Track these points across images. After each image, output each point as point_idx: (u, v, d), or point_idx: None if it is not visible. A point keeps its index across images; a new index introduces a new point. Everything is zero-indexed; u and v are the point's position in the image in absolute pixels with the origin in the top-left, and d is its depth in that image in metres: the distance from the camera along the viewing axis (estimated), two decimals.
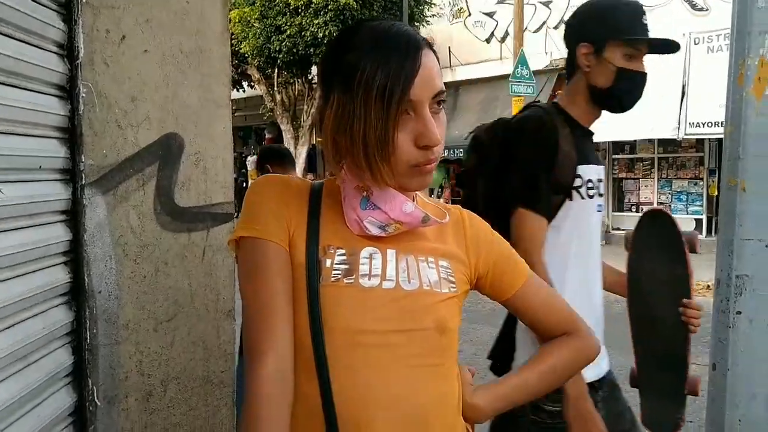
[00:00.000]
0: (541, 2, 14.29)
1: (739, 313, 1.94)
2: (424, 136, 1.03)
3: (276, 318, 1.06)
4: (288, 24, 14.34)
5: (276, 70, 16.06)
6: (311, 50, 14.16)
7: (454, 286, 1.16)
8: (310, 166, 19.72)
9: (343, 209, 1.13)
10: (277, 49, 14.65)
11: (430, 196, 13.41)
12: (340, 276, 1.08)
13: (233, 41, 15.26)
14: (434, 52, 1.09)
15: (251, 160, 21.21)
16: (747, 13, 1.87)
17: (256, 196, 1.14)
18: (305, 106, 16.60)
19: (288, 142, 16.72)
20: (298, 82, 16.97)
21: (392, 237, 1.13)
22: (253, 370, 1.02)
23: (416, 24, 14.82)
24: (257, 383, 1.01)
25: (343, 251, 1.10)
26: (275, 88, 16.64)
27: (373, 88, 1.01)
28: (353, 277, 1.09)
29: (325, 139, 1.09)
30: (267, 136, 20.98)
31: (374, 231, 1.10)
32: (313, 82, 16.51)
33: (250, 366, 1.04)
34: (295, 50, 14.38)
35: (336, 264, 1.09)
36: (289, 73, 16.16)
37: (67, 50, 1.94)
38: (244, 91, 18.68)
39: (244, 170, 20.68)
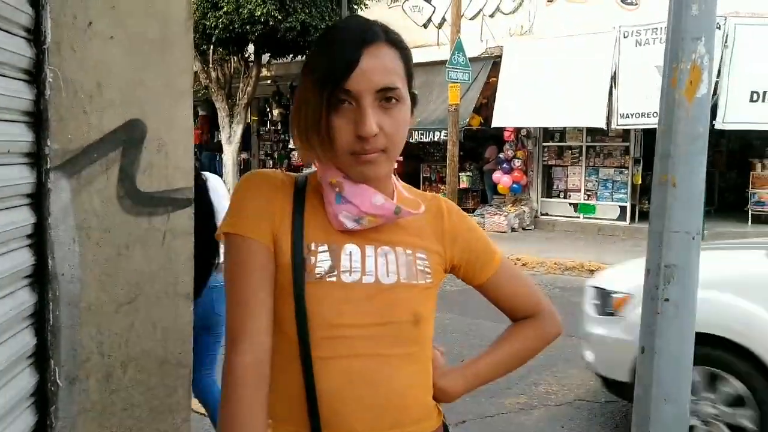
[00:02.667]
0: None
1: (667, 300, 2.12)
2: (358, 126, 1.11)
3: (254, 311, 1.15)
4: (225, 1, 14.09)
5: (211, 47, 15.77)
6: (247, 27, 13.95)
7: (429, 276, 1.26)
8: (245, 145, 19.48)
9: (324, 204, 1.21)
10: (213, 25, 14.37)
11: None
12: (323, 273, 1.17)
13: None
14: (400, 49, 1.18)
15: None
16: (681, 20, 2.03)
17: (242, 192, 1.22)
18: (240, 84, 16.37)
19: (222, 120, 16.48)
20: (233, 59, 16.71)
21: (371, 231, 1.21)
22: (231, 358, 1.14)
23: (355, 7, 14.80)
24: (234, 369, 1.13)
25: (325, 247, 1.19)
26: (210, 65, 16.35)
27: (313, 76, 1.13)
28: (335, 273, 1.17)
29: (291, 129, 1.22)
30: (201, 113, 20.57)
31: (349, 225, 1.18)
32: (249, 60, 16.28)
33: (228, 354, 1.15)
34: (231, 27, 14.14)
35: (319, 261, 1.17)
36: (224, 51, 15.90)
37: (34, 35, 1.95)
38: None
39: None
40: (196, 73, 17.13)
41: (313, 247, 1.18)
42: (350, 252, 1.20)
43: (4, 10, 1.80)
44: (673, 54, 2.08)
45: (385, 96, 1.13)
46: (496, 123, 13.20)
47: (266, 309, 1.16)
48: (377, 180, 1.19)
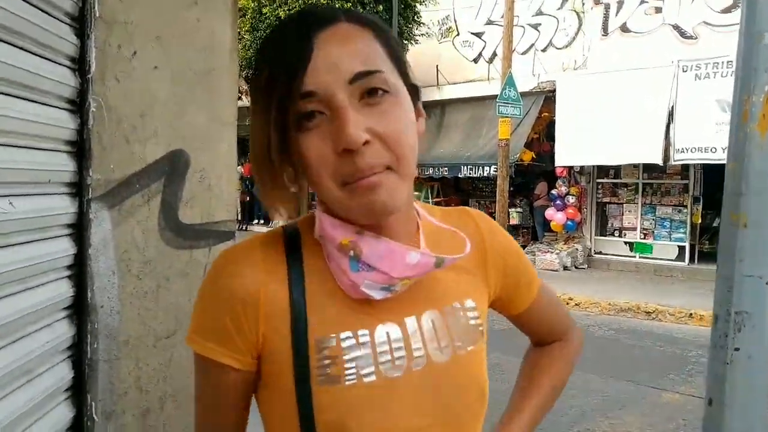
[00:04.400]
0: (529, 24, 14.46)
1: (737, 349, 1.96)
2: (337, 137, 0.79)
3: None
4: None
5: None
6: None
7: (482, 328, 1.01)
8: None
9: (331, 270, 0.91)
10: None
11: None
12: (354, 375, 0.88)
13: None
14: (375, 29, 0.86)
15: (238, 170, 21.11)
16: (753, 50, 1.90)
17: (203, 301, 0.92)
18: None
19: None
20: None
21: (405, 293, 0.92)
22: None
23: (404, 42, 14.91)
24: None
25: (349, 335, 0.89)
26: None
27: (259, 96, 0.84)
28: (372, 368, 0.89)
29: (256, 185, 0.93)
30: None
31: (377, 296, 0.89)
32: None
33: None
34: None
35: (347, 361, 0.88)
36: None
37: (79, 64, 1.94)
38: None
39: None
40: (248, 108, 17.45)
41: (330, 343, 0.88)
42: (387, 333, 0.91)
43: (49, 39, 1.79)
44: (743, 86, 1.95)
45: (366, 88, 0.81)
46: (558, 162, 12.97)
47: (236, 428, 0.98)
48: (395, 212, 0.85)
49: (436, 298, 0.97)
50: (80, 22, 1.94)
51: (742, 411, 1.93)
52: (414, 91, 0.91)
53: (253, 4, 14.75)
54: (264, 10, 14.52)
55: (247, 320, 0.88)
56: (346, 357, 0.88)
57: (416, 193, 15.74)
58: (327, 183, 0.82)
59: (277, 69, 0.81)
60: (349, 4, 13.26)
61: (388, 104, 0.83)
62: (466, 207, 1.13)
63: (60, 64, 1.87)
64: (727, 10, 11.35)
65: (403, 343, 0.92)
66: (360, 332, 0.90)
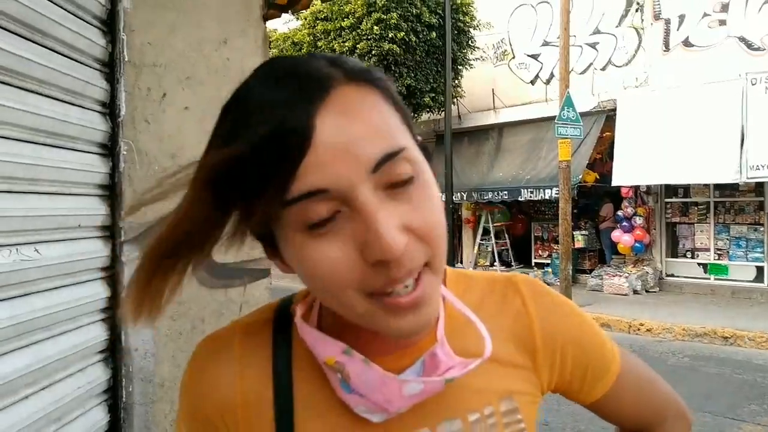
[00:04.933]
0: (587, 44, 14.21)
1: None
2: (367, 245, 0.59)
3: None
4: None
5: None
6: None
7: (524, 426, 0.79)
8: None
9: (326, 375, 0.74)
10: None
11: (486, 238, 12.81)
12: None
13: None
14: (377, 84, 0.66)
15: None
16: None
17: (188, 394, 0.78)
18: None
19: None
20: None
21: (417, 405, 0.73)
22: None
23: (459, 67, 14.88)
24: None
25: None
26: None
27: (216, 164, 0.63)
28: None
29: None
30: None
31: (376, 419, 0.72)
32: None
33: None
34: None
35: None
36: None
37: (109, 108, 1.96)
38: None
39: None
40: None
41: None
42: None
43: (78, 86, 1.82)
44: None
45: (394, 178, 0.61)
46: (616, 182, 12.61)
47: None
48: (432, 325, 0.68)
49: (460, 402, 0.76)
50: (110, 67, 1.96)
51: None
52: (425, 153, 0.69)
53: (308, 39, 15.02)
54: (320, 44, 14.76)
55: (225, 426, 0.75)
56: None
57: (471, 217, 15.55)
58: (350, 296, 0.62)
59: (260, 150, 0.58)
60: (402, 33, 13.35)
61: (417, 187, 0.63)
62: (516, 275, 0.87)
63: (89, 109, 1.89)
64: None
65: None
66: None
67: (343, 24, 14.06)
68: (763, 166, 10.74)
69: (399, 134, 0.64)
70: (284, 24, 15.81)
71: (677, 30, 12.86)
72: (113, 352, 2.00)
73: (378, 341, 0.71)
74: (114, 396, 2.01)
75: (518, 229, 15.94)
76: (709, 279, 12.91)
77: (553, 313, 0.84)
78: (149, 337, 2.04)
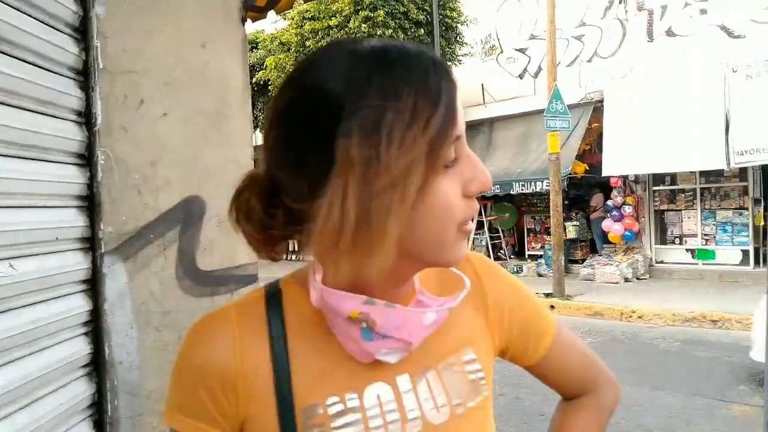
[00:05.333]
0: (573, 36, 14.21)
1: None
2: (477, 180, 0.77)
3: None
4: None
5: None
6: None
7: (484, 380, 0.92)
8: None
9: (336, 335, 0.82)
10: None
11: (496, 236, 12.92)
12: None
13: (270, 87, 15.49)
14: None
15: None
16: None
17: (183, 374, 0.83)
18: None
19: None
20: None
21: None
22: None
23: (448, 63, 14.83)
24: None
25: (336, 400, 0.82)
26: None
27: (415, 127, 0.70)
28: None
29: (338, 228, 0.70)
30: None
31: (393, 360, 0.82)
32: None
33: None
34: None
35: (334, 428, 0.80)
36: None
37: (85, 118, 1.92)
38: None
39: None
40: None
41: (316, 411, 0.81)
42: (377, 396, 0.83)
43: (52, 96, 1.77)
44: None
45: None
46: (606, 172, 12.64)
47: None
48: None
49: (431, 352, 0.88)
50: (84, 75, 1.92)
51: None
52: None
53: (296, 38, 14.94)
54: (307, 43, 14.68)
55: (226, 398, 0.80)
56: (333, 425, 0.80)
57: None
58: (452, 226, 0.77)
59: (431, 105, 0.71)
60: (390, 31, 13.31)
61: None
62: (467, 251, 0.97)
63: (64, 119, 1.85)
64: None
65: (396, 404, 0.84)
66: (348, 395, 0.82)
67: (331, 23, 14.01)
68: (748, 152, 10.78)
69: None
70: (272, 24, 15.73)
71: (660, 20, 12.89)
72: (97, 366, 1.96)
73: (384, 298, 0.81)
74: (99, 411, 1.97)
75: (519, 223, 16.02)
76: (697, 264, 13.01)
77: (499, 280, 0.99)
78: (134, 349, 2.00)
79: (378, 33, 13.28)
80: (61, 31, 1.83)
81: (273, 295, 0.86)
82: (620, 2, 13.45)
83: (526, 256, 15.68)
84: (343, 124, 0.70)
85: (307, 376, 0.81)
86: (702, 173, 12.62)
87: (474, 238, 15.36)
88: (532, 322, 1.00)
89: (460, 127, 0.75)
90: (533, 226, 16.03)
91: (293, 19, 15.22)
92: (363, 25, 13.35)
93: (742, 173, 12.16)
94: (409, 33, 13.77)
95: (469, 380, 0.90)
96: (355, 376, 0.83)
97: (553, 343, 1.02)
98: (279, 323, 0.83)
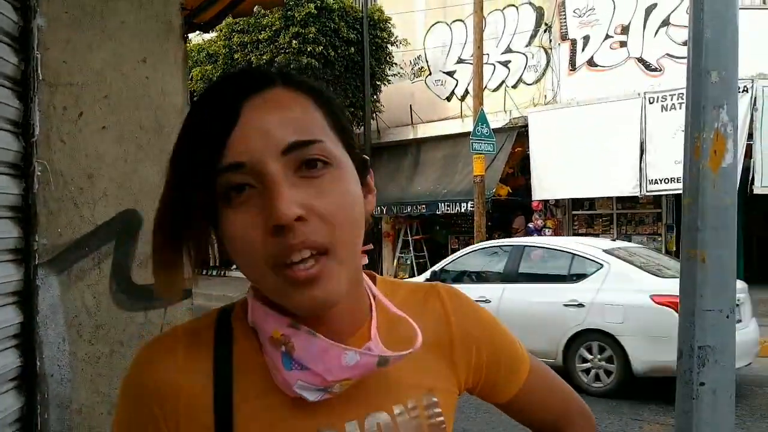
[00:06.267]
0: (499, 62, 14.66)
1: (702, 384, 1.94)
2: (269, 212, 0.68)
3: None
4: None
5: None
6: None
7: (444, 425, 0.86)
8: None
9: (267, 364, 0.79)
10: None
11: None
12: None
13: (194, 98, 15.26)
14: (315, 94, 0.77)
15: None
16: (701, 88, 1.91)
17: (127, 395, 0.81)
18: None
19: None
20: None
21: (348, 393, 0.80)
22: None
23: (377, 83, 15.05)
24: None
25: None
26: None
27: (176, 166, 0.72)
28: None
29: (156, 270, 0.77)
30: None
31: (312, 397, 0.76)
32: None
33: None
34: None
35: None
36: None
37: (22, 128, 1.91)
38: None
39: None
40: None
41: None
42: None
43: None
44: (694, 123, 1.95)
45: (303, 158, 0.71)
46: (536, 196, 13.10)
47: None
48: (335, 306, 0.75)
49: (386, 396, 0.83)
50: (23, 85, 1.91)
51: None
52: (362, 164, 0.81)
53: (224, 50, 14.83)
54: (236, 56, 14.60)
55: (166, 423, 0.78)
56: None
57: (390, 231, 15.81)
58: (259, 266, 0.71)
59: (197, 137, 0.71)
60: (321, 48, 13.40)
61: (329, 178, 0.72)
62: (438, 284, 0.97)
63: (1, 129, 1.83)
64: (687, 43, 11.57)
65: None
66: None
67: (260, 37, 13.97)
68: (660, 180, 11.40)
69: (318, 131, 0.74)
70: (198, 35, 15.56)
71: (582, 51, 13.46)
72: (27, 379, 1.93)
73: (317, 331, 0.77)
74: (28, 424, 1.93)
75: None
76: None
77: (468, 315, 0.93)
78: (65, 363, 1.98)
79: (308, 49, 13.34)
80: (1, 41, 1.82)
81: (224, 322, 0.83)
82: (545, 31, 13.97)
83: None
84: None
85: (249, 417, 0.77)
86: (618, 199, 13.21)
87: (399, 257, 15.54)
88: (503, 360, 0.95)
89: (236, 156, 0.69)
90: (457, 246, 16.34)
91: (222, 30, 15.12)
92: (293, 41, 13.39)
93: (656, 200, 12.80)
94: (339, 51, 13.90)
95: (428, 425, 0.84)
96: (301, 423, 0.78)
97: (526, 381, 0.97)
98: (227, 356, 0.80)
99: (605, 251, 6.98)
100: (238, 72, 0.76)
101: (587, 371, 6.67)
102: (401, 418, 0.83)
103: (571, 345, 6.70)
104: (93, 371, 2.04)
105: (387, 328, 0.84)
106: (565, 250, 7.25)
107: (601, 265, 6.75)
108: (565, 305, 6.69)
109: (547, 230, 13.73)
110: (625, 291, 6.43)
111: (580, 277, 6.86)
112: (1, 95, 1.83)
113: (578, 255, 7.03)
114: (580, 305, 6.61)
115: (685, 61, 1.99)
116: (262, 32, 13.94)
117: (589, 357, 6.63)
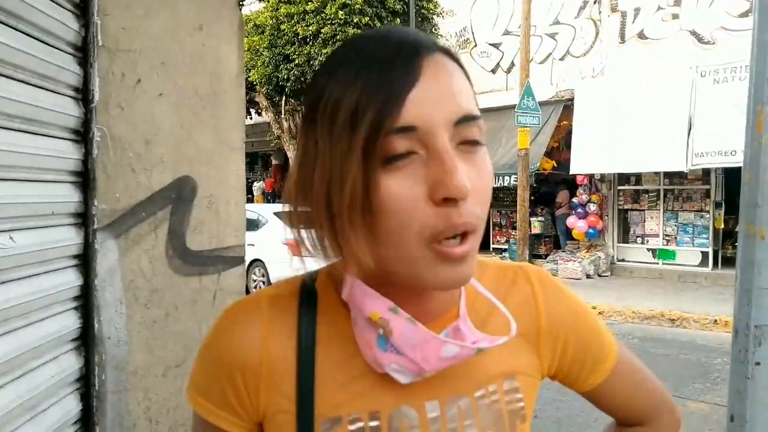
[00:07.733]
0: (547, 34, 14.37)
1: (758, 363, 1.88)
2: (443, 184, 0.64)
3: None
4: (296, 53, 14.45)
5: (283, 98, 16.16)
6: None
7: (524, 410, 0.85)
8: None
9: (355, 336, 0.77)
10: (285, 77, 14.76)
11: None
12: None
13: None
14: (457, 62, 0.72)
15: (258, 186, 21.27)
16: (765, 59, 1.84)
17: (208, 359, 0.81)
18: None
19: None
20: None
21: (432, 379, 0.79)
22: None
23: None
24: None
25: (358, 419, 0.77)
26: (282, 116, 16.73)
27: (337, 117, 0.67)
28: None
29: (289, 199, 0.74)
30: (274, 162, 21.09)
31: (403, 380, 0.75)
32: None
33: None
34: (302, 79, 14.47)
35: None
36: (296, 101, 16.26)
37: (82, 94, 1.93)
38: (251, 118, 18.81)
39: (250, 195, 20.71)
40: (269, 123, 17.61)
41: (336, 426, 0.76)
42: (401, 421, 0.78)
43: (51, 70, 1.78)
44: (756, 96, 1.87)
45: (468, 136, 0.68)
46: (574, 170, 12.87)
47: None
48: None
49: (468, 379, 0.81)
50: (83, 52, 1.93)
51: (764, 427, 1.85)
52: None
53: (271, 21, 14.85)
54: (282, 27, 14.61)
55: (246, 390, 0.78)
56: None
57: None
58: (410, 238, 0.66)
59: (369, 93, 0.65)
60: (367, 18, 13.31)
61: (481, 156, 0.70)
62: (527, 265, 0.93)
63: (62, 94, 1.86)
64: (744, 15, 11.17)
65: (419, 429, 0.78)
66: (371, 417, 0.77)
67: (307, 8, 13.94)
68: (706, 153, 11.09)
69: (475, 105, 0.71)
70: (246, 6, 15.59)
71: (632, 23, 13.10)
72: (86, 341, 1.98)
73: (410, 311, 0.74)
74: (86, 384, 1.99)
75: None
76: (657, 264, 13.31)
77: (558, 301, 0.89)
78: (122, 325, 2.03)
79: (354, 20, 13.27)
80: (63, 7, 1.84)
81: (309, 292, 0.81)
82: (594, 2, 13.63)
83: (491, 250, 15.87)
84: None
85: (331, 387, 0.77)
86: (666, 175, 12.91)
87: None
88: (589, 348, 0.91)
89: (411, 118, 0.65)
90: (499, 220, 16.22)
91: (269, 1, 15.12)
92: (340, 12, 13.33)
93: (705, 176, 12.48)
94: (385, 21, 13.79)
95: (508, 411, 0.83)
96: (382, 396, 0.77)
97: (611, 372, 0.93)
98: (310, 325, 0.79)
99: None
100: (406, 30, 0.72)
101: None
102: (482, 401, 0.81)
103: None
104: (149, 334, 2.08)
105: (475, 311, 0.83)
106: None
107: None
108: None
109: (591, 205, 13.52)
110: None
111: None
112: (63, 61, 1.85)
113: None
114: None
115: (740, 33, 1.92)
116: (309, 3, 13.90)
117: None
